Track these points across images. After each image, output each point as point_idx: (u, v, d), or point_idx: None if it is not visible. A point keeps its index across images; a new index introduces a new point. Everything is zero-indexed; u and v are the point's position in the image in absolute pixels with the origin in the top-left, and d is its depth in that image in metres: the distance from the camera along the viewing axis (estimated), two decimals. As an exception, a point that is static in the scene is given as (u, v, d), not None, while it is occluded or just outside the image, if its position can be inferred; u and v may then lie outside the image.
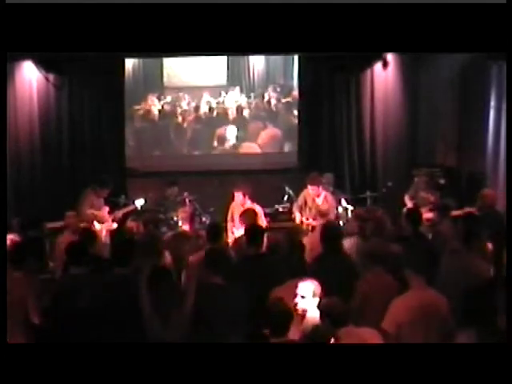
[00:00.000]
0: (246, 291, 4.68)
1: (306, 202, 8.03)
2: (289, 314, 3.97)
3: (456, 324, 4.10)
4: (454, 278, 4.84)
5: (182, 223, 6.93)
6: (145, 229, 6.68)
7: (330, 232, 5.64)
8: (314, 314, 4.35)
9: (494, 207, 6.82)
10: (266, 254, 5.55)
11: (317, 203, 7.93)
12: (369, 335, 3.90)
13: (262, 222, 7.43)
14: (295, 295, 4.45)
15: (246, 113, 10.51)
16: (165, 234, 7.62)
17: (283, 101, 10.49)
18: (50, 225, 8.05)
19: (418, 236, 5.95)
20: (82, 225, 7.21)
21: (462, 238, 5.24)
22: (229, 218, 7.87)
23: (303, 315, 4.39)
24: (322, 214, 7.74)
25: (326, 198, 7.96)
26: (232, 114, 10.49)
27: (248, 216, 6.65)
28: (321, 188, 7.96)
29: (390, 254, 5.14)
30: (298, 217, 8.05)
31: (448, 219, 6.47)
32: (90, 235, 6.05)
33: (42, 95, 9.57)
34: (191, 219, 6.92)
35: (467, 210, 6.80)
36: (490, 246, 5.45)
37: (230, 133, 10.53)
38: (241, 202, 7.68)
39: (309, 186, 7.93)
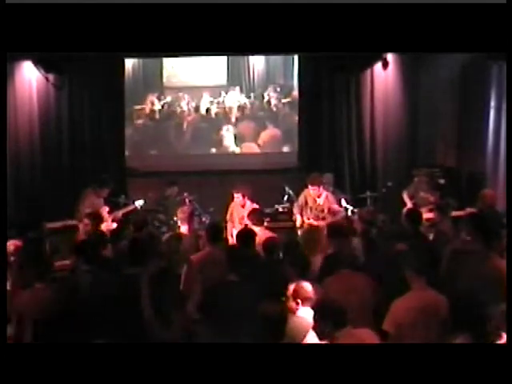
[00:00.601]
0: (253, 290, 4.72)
1: (306, 202, 8.03)
2: (283, 316, 3.95)
3: (456, 325, 4.10)
4: (454, 278, 4.84)
5: (181, 223, 6.90)
6: (135, 231, 6.59)
7: (339, 231, 5.66)
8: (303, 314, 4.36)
9: (494, 207, 6.82)
10: (261, 256, 5.57)
11: (318, 203, 7.92)
12: (367, 336, 3.89)
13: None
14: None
15: (246, 113, 10.51)
16: (164, 234, 7.62)
17: (283, 101, 10.50)
18: (50, 225, 8.05)
19: (419, 236, 5.94)
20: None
21: (464, 238, 5.24)
22: (228, 218, 7.87)
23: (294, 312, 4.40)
24: (331, 212, 7.75)
25: (327, 197, 7.96)
26: (232, 114, 10.50)
27: (256, 216, 6.66)
28: (321, 188, 7.96)
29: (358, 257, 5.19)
30: (298, 217, 8.04)
31: (449, 219, 6.46)
32: (101, 236, 6.06)
33: (42, 95, 9.57)
34: (190, 219, 6.89)
35: (469, 210, 6.79)
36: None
37: (230, 133, 10.53)
38: (240, 202, 7.68)
39: (309, 187, 7.92)
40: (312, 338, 3.99)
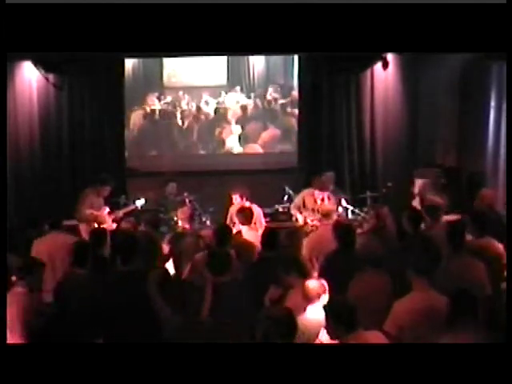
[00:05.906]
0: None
1: (304, 203, 7.97)
2: (294, 323, 3.74)
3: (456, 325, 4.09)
4: (455, 280, 4.83)
5: (182, 224, 6.90)
6: (151, 229, 6.58)
7: (345, 230, 5.64)
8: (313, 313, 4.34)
9: (493, 207, 6.80)
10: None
11: (322, 204, 7.85)
12: (375, 338, 3.85)
13: (261, 222, 7.42)
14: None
15: (246, 113, 10.50)
16: (164, 234, 7.61)
17: (283, 101, 10.50)
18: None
19: (420, 237, 5.92)
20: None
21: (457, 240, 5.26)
22: (228, 220, 7.85)
23: None
24: (325, 214, 7.66)
25: (328, 198, 7.92)
26: (232, 114, 10.49)
27: (244, 215, 6.64)
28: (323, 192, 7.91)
29: (385, 255, 5.15)
30: (299, 217, 7.97)
31: (439, 222, 6.37)
32: (101, 236, 6.01)
33: (42, 95, 9.57)
34: (190, 220, 6.89)
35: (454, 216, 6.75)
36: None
37: (231, 133, 10.53)
38: (239, 204, 7.65)
39: (313, 189, 7.89)
40: (325, 335, 3.97)
